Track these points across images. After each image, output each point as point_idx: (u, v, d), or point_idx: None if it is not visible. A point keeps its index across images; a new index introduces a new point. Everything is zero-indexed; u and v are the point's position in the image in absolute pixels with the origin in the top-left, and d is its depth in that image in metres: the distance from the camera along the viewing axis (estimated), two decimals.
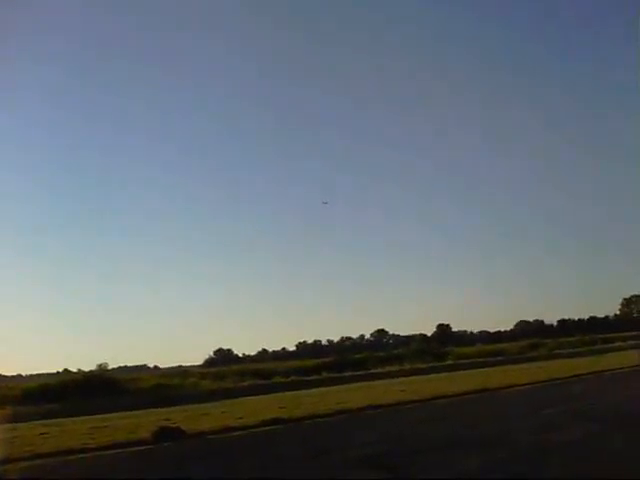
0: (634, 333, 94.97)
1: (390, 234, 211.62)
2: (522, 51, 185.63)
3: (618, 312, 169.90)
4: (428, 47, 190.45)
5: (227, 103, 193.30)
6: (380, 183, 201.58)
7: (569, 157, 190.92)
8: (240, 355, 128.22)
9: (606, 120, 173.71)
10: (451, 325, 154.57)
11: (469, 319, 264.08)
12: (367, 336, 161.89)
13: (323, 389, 37.80)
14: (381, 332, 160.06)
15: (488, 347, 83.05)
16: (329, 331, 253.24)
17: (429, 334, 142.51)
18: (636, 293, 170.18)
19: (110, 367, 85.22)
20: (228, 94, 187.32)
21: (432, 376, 43.12)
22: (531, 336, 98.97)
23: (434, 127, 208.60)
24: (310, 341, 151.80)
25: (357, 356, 71.78)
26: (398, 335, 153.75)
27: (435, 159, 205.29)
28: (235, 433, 18.42)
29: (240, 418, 21.00)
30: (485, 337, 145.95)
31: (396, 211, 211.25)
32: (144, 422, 21.66)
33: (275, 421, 19.99)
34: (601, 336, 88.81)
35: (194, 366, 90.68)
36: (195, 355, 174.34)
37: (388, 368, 56.34)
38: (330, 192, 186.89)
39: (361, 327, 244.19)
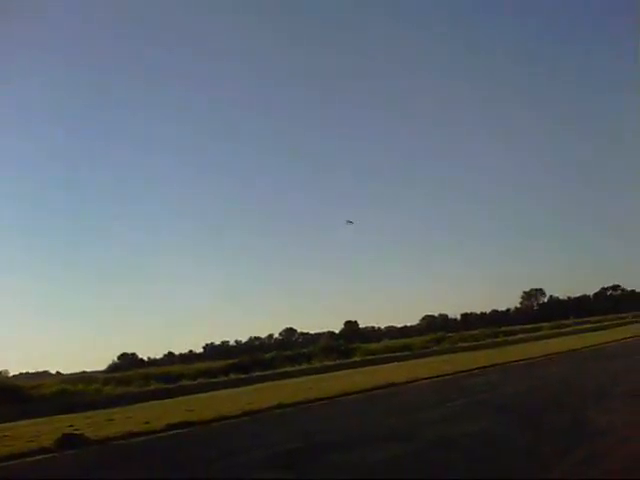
0: (534, 325, 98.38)
1: (296, 233, 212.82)
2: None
3: (519, 305, 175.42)
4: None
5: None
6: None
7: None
8: (145, 359, 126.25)
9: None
10: (359, 321, 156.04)
11: (376, 315, 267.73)
12: (276, 335, 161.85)
13: (232, 390, 37.56)
14: (290, 331, 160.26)
15: (395, 342, 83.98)
16: (237, 331, 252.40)
17: (337, 331, 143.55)
18: (535, 287, 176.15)
19: (11, 374, 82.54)
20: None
21: (340, 373, 43.46)
22: (436, 330, 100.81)
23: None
24: (218, 342, 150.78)
25: (266, 356, 71.48)
26: (307, 333, 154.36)
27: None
28: (141, 438, 18.10)
29: (146, 423, 20.63)
30: (392, 332, 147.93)
31: (303, 211, 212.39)
32: (47, 430, 21.02)
33: (182, 424, 19.73)
34: (503, 329, 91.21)
35: (98, 371, 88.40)
36: (99, 360, 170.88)
37: (297, 367, 56.34)
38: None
39: (270, 326, 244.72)
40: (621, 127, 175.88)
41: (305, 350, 75.48)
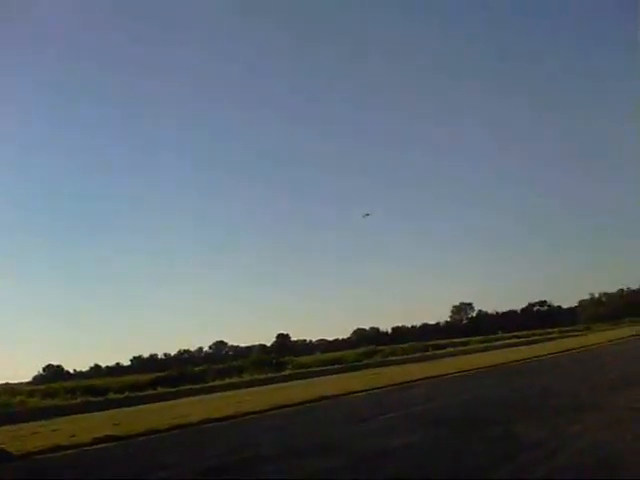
0: (463, 339, 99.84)
1: (227, 245, 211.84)
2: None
3: (449, 319, 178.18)
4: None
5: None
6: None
7: None
8: (71, 371, 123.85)
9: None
10: (290, 335, 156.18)
11: (308, 328, 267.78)
12: (206, 348, 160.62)
13: (160, 404, 36.91)
14: (220, 343, 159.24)
15: (327, 355, 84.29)
16: (166, 344, 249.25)
17: (269, 344, 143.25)
18: (464, 301, 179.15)
19: None
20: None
21: (271, 387, 43.18)
22: (368, 343, 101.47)
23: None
24: (146, 355, 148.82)
25: (195, 369, 70.92)
26: (237, 346, 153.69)
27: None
28: (67, 452, 17.62)
29: (72, 436, 20.09)
30: (324, 346, 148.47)
31: (235, 223, 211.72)
32: None
33: (109, 438, 19.31)
34: (433, 342, 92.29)
35: (22, 383, 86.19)
36: (23, 372, 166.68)
37: (227, 380, 55.89)
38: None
39: (199, 339, 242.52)
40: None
41: (236, 363, 75.02)
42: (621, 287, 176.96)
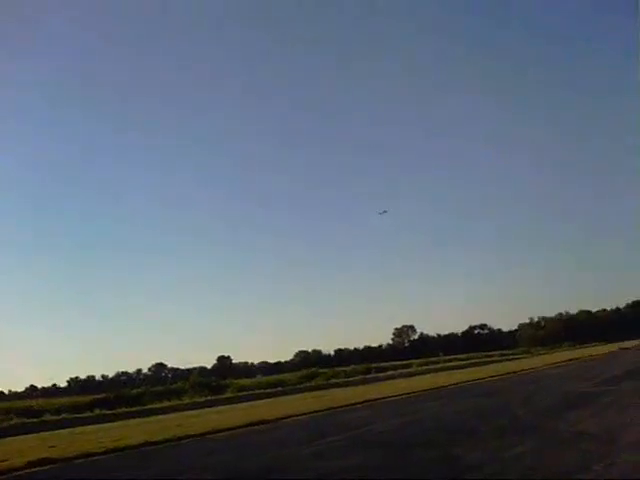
0: (404, 362, 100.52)
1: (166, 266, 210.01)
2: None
3: (391, 341, 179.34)
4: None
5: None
6: None
7: None
8: (6, 392, 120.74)
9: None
10: (232, 357, 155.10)
11: (250, 350, 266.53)
12: (145, 370, 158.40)
13: (97, 427, 36.21)
14: (159, 366, 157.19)
15: (268, 378, 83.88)
16: (105, 366, 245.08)
17: (209, 366, 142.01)
18: (406, 323, 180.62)
19: None
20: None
21: (211, 410, 42.78)
22: (310, 366, 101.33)
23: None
24: (83, 377, 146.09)
25: (134, 391, 69.78)
26: (177, 369, 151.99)
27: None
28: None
29: (4, 460, 19.50)
30: (266, 368, 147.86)
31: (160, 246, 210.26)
32: None
33: (44, 461, 18.78)
34: (374, 365, 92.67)
35: None
36: None
37: (166, 403, 55.19)
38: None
39: (139, 361, 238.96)
40: None
41: (175, 386, 74.11)
42: (560, 311, 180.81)
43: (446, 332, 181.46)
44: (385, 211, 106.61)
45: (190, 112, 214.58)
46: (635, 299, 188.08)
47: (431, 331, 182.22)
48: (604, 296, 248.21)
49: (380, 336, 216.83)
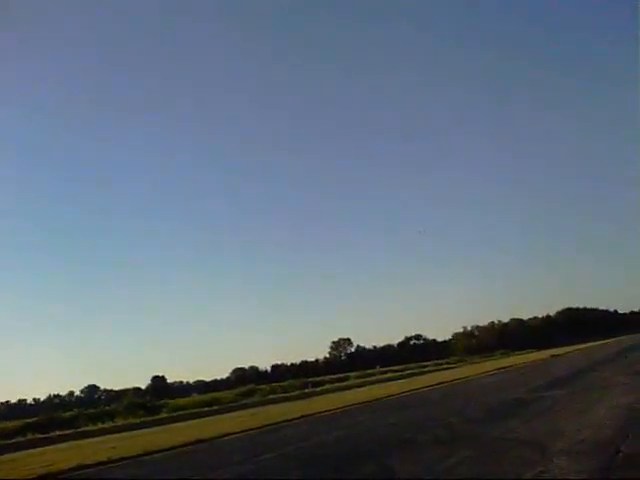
0: (341, 375, 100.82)
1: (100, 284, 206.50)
2: None
3: (328, 355, 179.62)
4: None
5: None
6: None
7: None
8: None
9: None
10: (166, 376, 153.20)
11: (185, 369, 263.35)
12: (77, 392, 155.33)
13: (29, 452, 35.25)
14: (92, 387, 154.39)
15: (204, 397, 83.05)
16: (35, 389, 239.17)
17: (143, 387, 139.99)
18: (343, 336, 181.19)
19: None
20: None
21: (146, 431, 42.08)
22: (246, 383, 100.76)
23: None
24: (13, 401, 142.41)
25: (66, 414, 68.33)
26: (111, 390, 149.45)
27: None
28: None
29: None
30: (202, 387, 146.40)
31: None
32: None
33: None
34: (312, 379, 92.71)
35: None
36: None
37: (100, 425, 54.13)
38: None
39: (70, 383, 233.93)
40: None
41: (109, 408, 72.84)
42: (492, 320, 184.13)
43: (382, 344, 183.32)
44: (423, 230, 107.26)
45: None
46: (564, 307, 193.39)
47: (367, 343, 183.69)
48: (536, 305, 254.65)
49: (317, 350, 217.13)
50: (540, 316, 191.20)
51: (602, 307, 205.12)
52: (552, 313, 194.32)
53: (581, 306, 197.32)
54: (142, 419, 56.44)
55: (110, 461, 22.54)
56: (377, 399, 39.20)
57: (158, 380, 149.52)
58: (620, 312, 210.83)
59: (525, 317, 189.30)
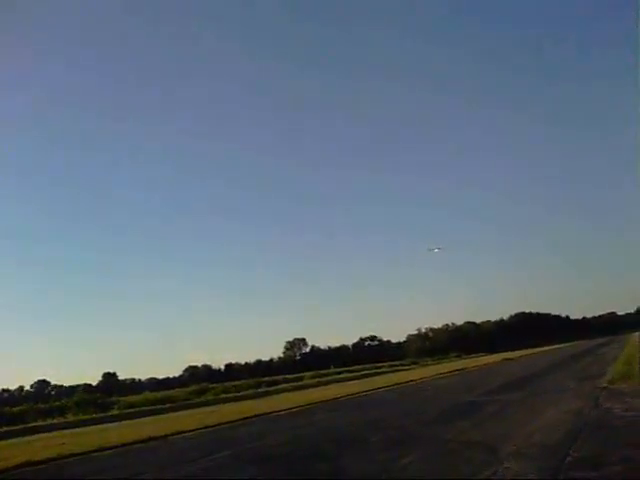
0: (296, 375, 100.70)
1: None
2: None
3: (282, 355, 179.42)
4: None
5: None
6: None
7: None
8: None
9: None
10: (118, 373, 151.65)
11: (137, 366, 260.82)
12: (27, 387, 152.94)
13: None
14: (42, 383, 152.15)
15: (156, 394, 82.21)
16: None
17: (95, 383, 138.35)
18: (298, 336, 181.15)
19: None
20: None
21: (97, 427, 41.55)
22: (199, 381, 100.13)
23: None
24: None
25: (15, 409, 67.17)
26: (62, 385, 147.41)
27: None
28: None
29: None
30: (154, 384, 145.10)
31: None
32: None
33: None
34: (266, 379, 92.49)
35: None
36: None
37: (50, 421, 53.32)
38: None
39: (21, 378, 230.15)
40: None
41: (59, 403, 71.74)
42: (446, 322, 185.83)
43: (337, 344, 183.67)
44: (436, 249, 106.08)
45: None
46: (518, 311, 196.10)
47: (322, 344, 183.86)
48: (490, 309, 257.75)
49: (271, 350, 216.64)
50: (493, 320, 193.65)
51: (554, 313, 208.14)
52: (505, 317, 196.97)
53: (534, 311, 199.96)
54: (93, 415, 55.75)
55: (60, 457, 22.21)
56: (332, 399, 39.23)
57: (109, 377, 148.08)
58: (572, 318, 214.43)
59: (479, 320, 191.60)
